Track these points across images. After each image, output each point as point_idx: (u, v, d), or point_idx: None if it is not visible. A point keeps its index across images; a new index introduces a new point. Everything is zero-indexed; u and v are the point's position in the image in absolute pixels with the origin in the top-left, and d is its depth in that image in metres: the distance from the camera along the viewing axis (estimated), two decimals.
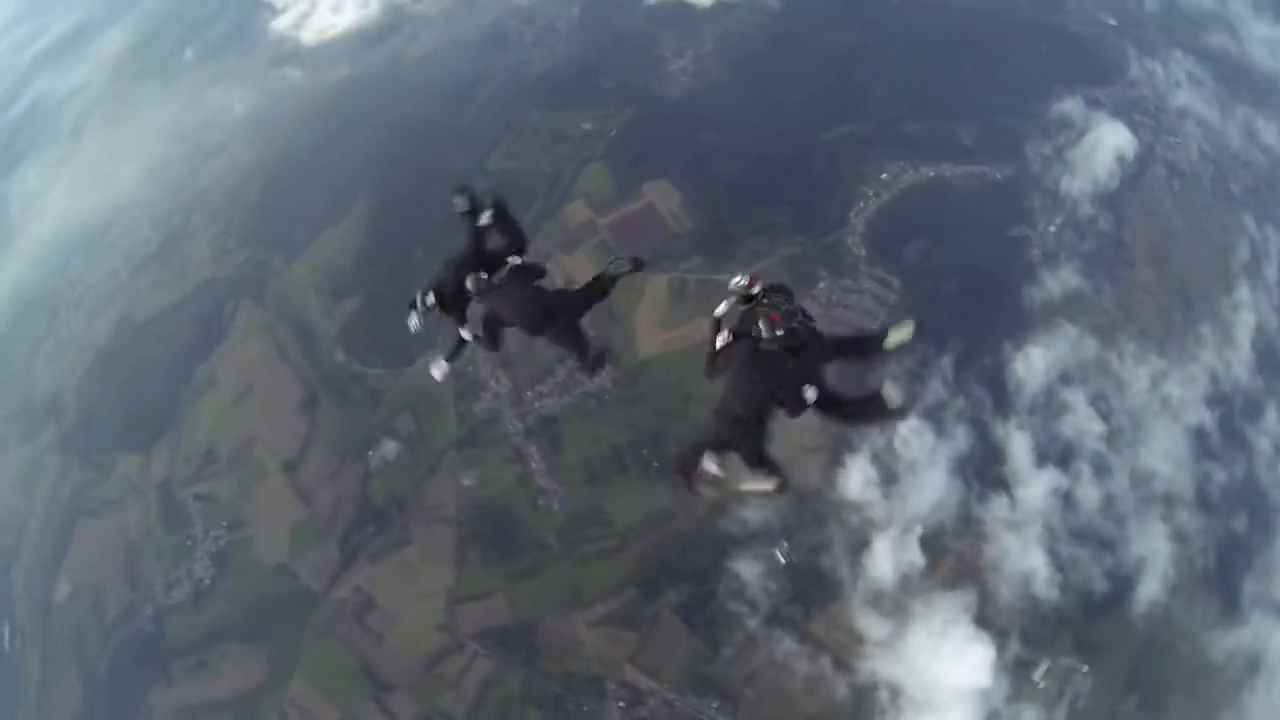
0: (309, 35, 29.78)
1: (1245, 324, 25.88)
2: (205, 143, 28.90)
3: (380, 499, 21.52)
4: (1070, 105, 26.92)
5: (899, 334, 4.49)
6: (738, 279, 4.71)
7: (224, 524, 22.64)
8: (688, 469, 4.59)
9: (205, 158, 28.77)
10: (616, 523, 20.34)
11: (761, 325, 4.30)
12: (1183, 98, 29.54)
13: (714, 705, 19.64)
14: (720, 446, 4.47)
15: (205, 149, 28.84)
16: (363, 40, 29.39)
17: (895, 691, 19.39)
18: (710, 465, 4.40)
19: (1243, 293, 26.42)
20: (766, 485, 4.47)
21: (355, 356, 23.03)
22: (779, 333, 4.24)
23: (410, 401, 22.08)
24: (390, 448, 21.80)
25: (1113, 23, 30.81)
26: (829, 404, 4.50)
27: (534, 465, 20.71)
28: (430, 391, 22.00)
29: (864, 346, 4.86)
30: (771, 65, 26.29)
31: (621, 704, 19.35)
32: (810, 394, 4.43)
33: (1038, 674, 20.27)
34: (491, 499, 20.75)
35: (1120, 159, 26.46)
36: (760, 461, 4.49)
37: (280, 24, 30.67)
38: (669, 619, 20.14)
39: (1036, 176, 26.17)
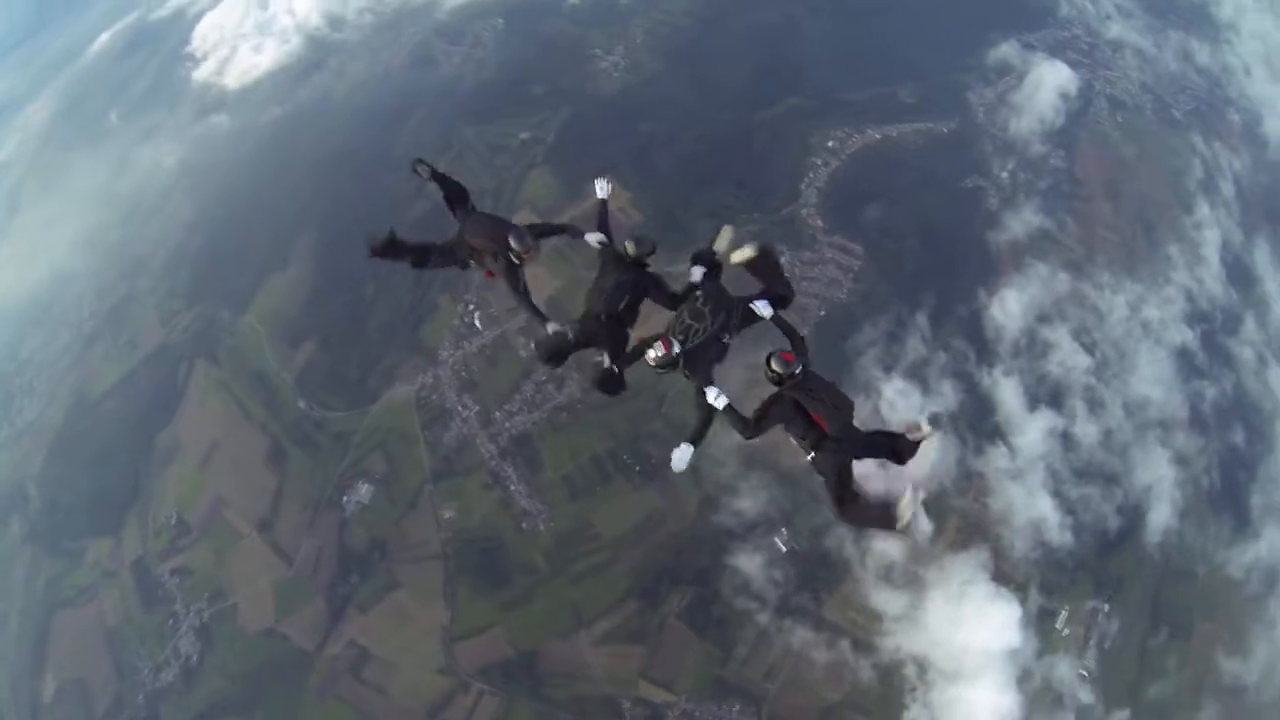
0: (232, 80, 28.80)
1: (1211, 240, 25.74)
2: (141, 204, 27.84)
3: (361, 545, 20.41)
4: (1006, 50, 26.69)
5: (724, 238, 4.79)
6: (651, 353, 4.49)
7: (205, 596, 21.42)
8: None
9: (144, 219, 27.68)
10: (606, 535, 19.40)
11: (774, 365, 4.28)
12: (1115, 30, 29.46)
13: (735, 708, 18.70)
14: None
15: (142, 210, 27.77)
16: (289, 78, 28.51)
17: (922, 665, 18.55)
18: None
19: (1203, 210, 26.25)
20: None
21: (317, 402, 21.96)
22: (787, 369, 4.28)
23: (379, 441, 21.03)
24: (365, 490, 20.72)
25: None
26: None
27: (513, 488, 19.74)
28: (399, 428, 21.00)
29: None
30: (704, 49, 25.74)
31: None
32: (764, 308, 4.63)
33: (1060, 622, 19.58)
34: (475, 528, 19.74)
35: (1063, 95, 26.22)
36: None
37: (202, 73, 29.67)
38: (675, 626, 19.18)
39: (982, 125, 25.82)
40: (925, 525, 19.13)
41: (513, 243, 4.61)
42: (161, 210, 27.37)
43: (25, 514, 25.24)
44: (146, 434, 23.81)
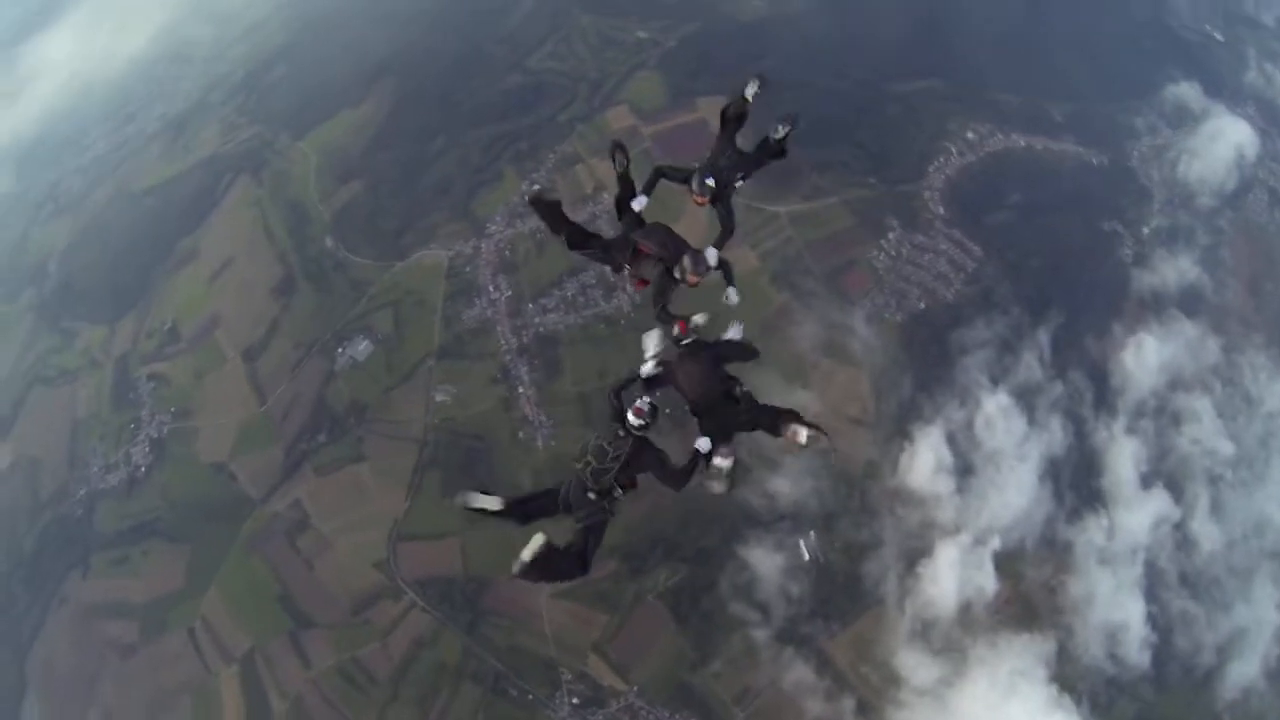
0: None
1: None
2: (234, 25, 25.38)
3: (340, 404, 17.02)
4: (1186, 90, 21.73)
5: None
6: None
7: (172, 410, 18.90)
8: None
9: (234, 41, 25.26)
10: None
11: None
12: None
13: None
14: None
15: (235, 32, 25.38)
16: None
17: None
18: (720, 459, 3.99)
19: None
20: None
21: (345, 243, 18.71)
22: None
23: (395, 299, 17.63)
24: (363, 347, 17.28)
25: (1219, 37, 25.66)
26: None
27: (522, 390, 15.95)
28: (419, 290, 17.51)
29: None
30: (857, 5, 21.67)
31: (575, 700, 14.29)
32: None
33: None
34: (466, 422, 16.09)
35: (1240, 156, 21.06)
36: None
37: None
38: (653, 606, 15.07)
39: (1134, 170, 21.02)
40: (990, 583, 14.13)
41: (686, 263, 4.31)
42: (255, 34, 24.93)
43: (40, 288, 23.14)
44: (171, 236, 21.16)
